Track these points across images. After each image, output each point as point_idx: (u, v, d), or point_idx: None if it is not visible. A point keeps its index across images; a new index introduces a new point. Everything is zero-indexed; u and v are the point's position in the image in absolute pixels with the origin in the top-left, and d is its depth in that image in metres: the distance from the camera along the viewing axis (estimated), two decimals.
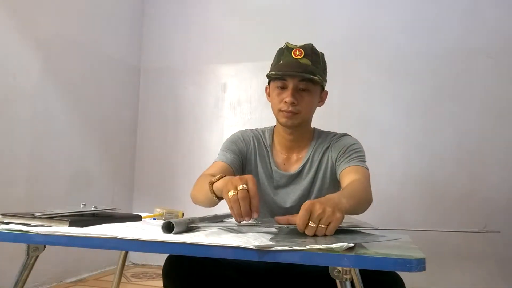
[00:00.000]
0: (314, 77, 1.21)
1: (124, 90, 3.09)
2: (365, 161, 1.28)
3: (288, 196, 1.32)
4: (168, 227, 0.85)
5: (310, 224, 0.85)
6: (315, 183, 1.31)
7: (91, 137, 2.74)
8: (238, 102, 2.98)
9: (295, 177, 1.33)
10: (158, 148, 3.14)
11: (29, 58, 2.28)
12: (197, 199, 1.21)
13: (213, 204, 1.13)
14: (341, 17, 2.81)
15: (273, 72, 1.25)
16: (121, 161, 3.05)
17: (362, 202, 1.08)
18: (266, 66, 1.37)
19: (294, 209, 1.28)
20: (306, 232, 0.85)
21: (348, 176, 1.20)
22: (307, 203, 0.86)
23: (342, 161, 1.26)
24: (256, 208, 0.92)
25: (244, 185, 0.92)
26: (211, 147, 2.90)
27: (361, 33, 2.75)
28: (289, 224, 0.92)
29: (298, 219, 0.86)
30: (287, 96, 1.24)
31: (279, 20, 2.90)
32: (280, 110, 1.26)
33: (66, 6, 2.55)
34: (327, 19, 2.83)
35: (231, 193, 0.92)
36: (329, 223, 0.85)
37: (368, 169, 1.25)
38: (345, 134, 1.37)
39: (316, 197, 1.06)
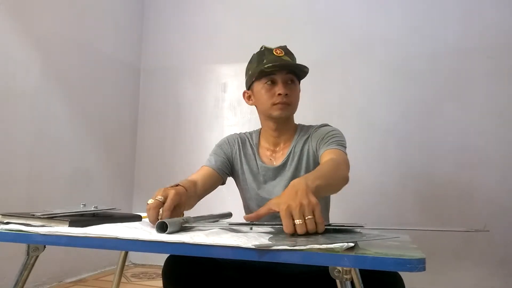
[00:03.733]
0: (303, 68, 1.31)
1: (124, 90, 3.09)
2: (344, 146, 1.29)
3: (275, 189, 1.35)
4: (162, 227, 0.86)
5: (297, 222, 0.83)
6: (299, 174, 1.33)
7: (91, 137, 2.74)
8: (238, 102, 2.98)
9: (280, 169, 1.36)
10: (158, 148, 3.14)
11: (28, 58, 2.28)
12: None
13: None
14: (341, 17, 2.81)
15: (265, 67, 1.28)
16: (121, 161, 3.05)
17: (332, 181, 1.06)
18: None
19: None
20: (298, 232, 0.83)
21: (323, 159, 1.23)
22: (281, 211, 0.84)
23: (321, 147, 1.30)
24: (160, 219, 0.97)
25: (161, 198, 1.01)
26: (211, 147, 2.86)
27: (361, 32, 2.75)
28: (272, 220, 0.93)
29: (284, 228, 0.84)
30: (279, 89, 1.30)
31: (279, 20, 2.90)
32: (274, 104, 1.32)
33: (66, 6, 2.54)
34: (328, 19, 2.83)
35: (150, 201, 1.01)
36: (313, 211, 0.84)
37: (346, 153, 1.27)
38: (325, 124, 1.41)
39: None
